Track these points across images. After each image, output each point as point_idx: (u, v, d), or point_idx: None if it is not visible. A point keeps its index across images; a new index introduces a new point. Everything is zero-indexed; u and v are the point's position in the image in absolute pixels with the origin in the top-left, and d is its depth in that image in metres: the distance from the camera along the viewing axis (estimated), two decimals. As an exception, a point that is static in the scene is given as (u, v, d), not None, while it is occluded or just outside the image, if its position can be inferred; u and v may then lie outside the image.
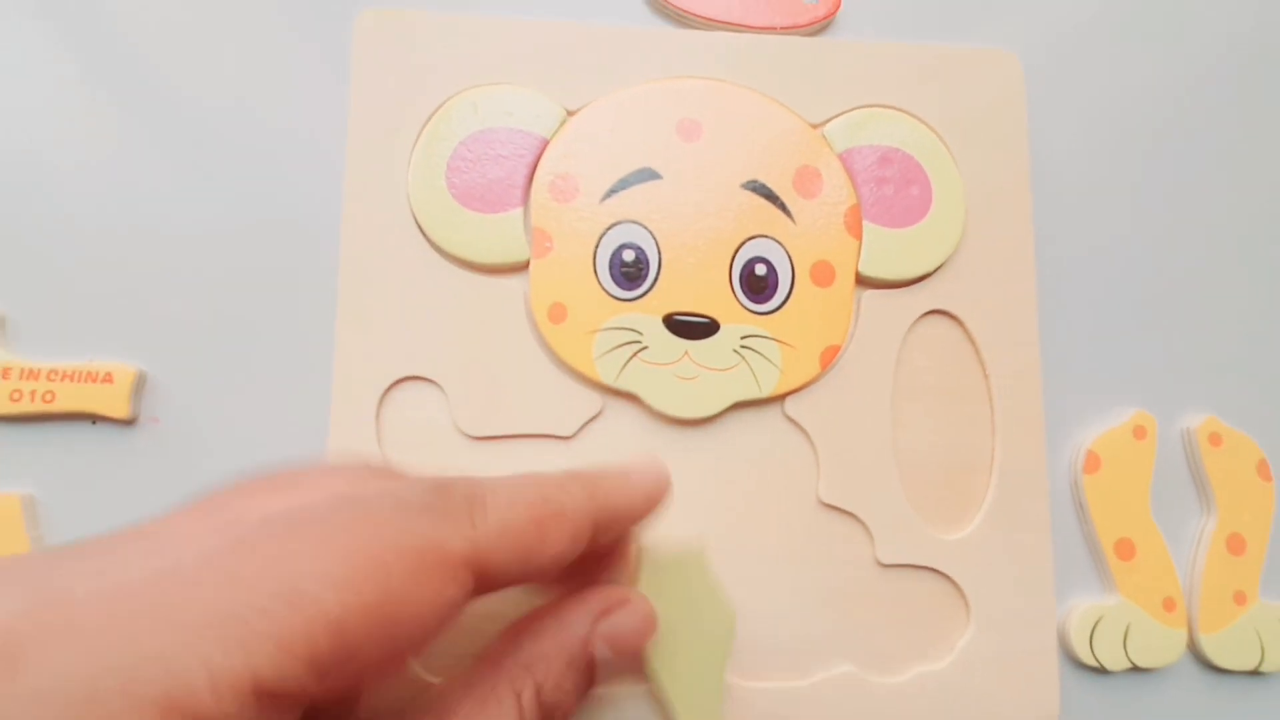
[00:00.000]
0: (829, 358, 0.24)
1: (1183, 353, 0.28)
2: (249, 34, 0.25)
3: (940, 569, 0.24)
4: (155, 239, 0.24)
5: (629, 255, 0.24)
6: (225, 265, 0.24)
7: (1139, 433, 0.26)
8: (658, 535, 0.19)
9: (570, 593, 0.17)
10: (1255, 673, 0.26)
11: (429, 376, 0.23)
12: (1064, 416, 0.26)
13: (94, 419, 0.23)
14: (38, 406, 0.22)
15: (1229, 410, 0.27)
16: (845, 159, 0.25)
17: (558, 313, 0.23)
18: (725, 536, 0.23)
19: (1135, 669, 0.25)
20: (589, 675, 0.17)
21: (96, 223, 0.24)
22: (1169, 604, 0.26)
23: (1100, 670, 0.25)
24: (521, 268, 0.24)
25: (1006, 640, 0.24)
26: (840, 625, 0.24)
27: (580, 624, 0.17)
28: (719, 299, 0.24)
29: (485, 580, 0.14)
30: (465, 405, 0.23)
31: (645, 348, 0.23)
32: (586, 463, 0.22)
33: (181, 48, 0.25)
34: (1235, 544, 0.26)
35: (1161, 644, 0.26)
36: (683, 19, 0.26)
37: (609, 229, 0.24)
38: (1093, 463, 0.25)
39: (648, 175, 0.24)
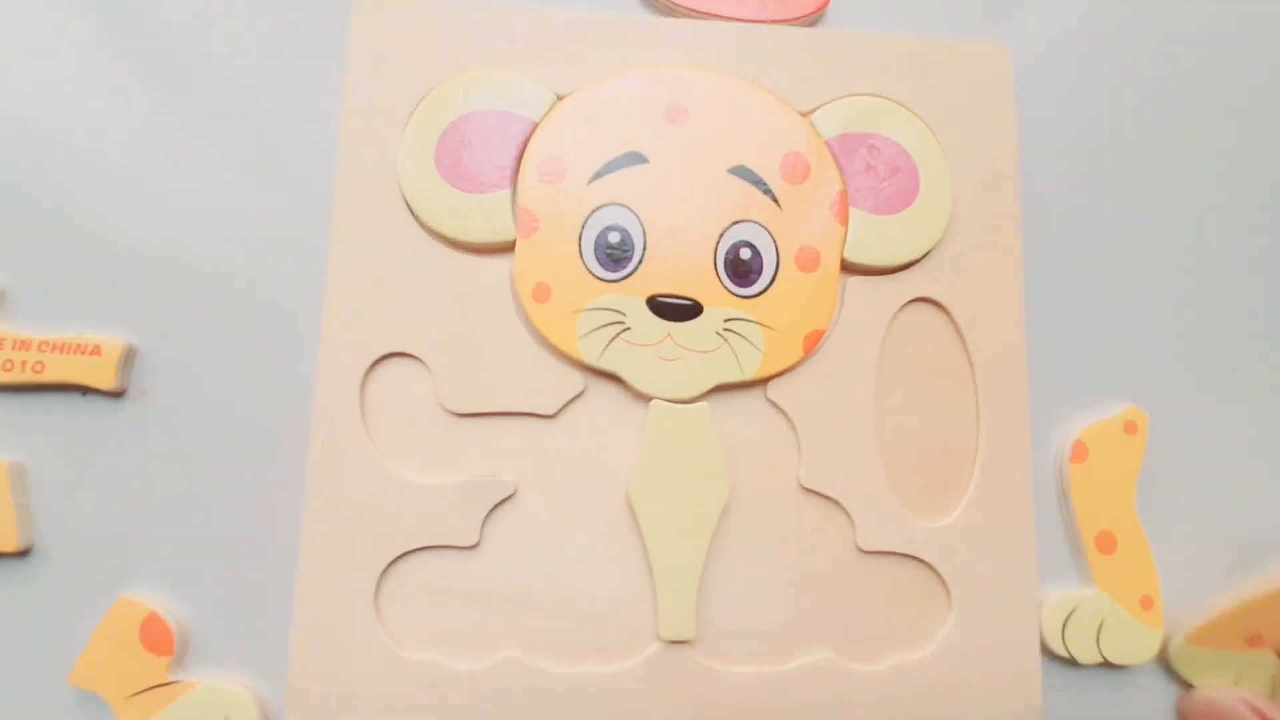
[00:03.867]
0: (812, 342, 0.25)
1: (1174, 349, 0.28)
2: (254, 14, 0.26)
3: (921, 556, 0.25)
4: (148, 216, 0.25)
5: (614, 237, 0.24)
6: (216, 241, 0.25)
7: (1130, 428, 0.26)
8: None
9: None
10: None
11: (414, 353, 0.24)
12: (1050, 405, 0.26)
13: (83, 390, 0.24)
14: (28, 376, 0.23)
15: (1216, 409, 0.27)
16: (833, 146, 0.25)
17: (542, 292, 0.24)
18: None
19: (1107, 664, 0.26)
20: None
21: (92, 200, 0.25)
22: (1146, 601, 0.26)
23: (1071, 662, 0.25)
24: (508, 248, 0.24)
25: (988, 630, 0.25)
26: (820, 612, 0.24)
27: None
28: (703, 282, 0.24)
29: None
30: (448, 382, 0.24)
31: (628, 328, 0.24)
32: (567, 441, 0.24)
33: (178, 24, 0.26)
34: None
35: (1137, 641, 0.26)
36: (675, 11, 0.27)
37: (595, 211, 0.24)
38: (1080, 452, 0.26)
39: (635, 159, 0.25)
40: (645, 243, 0.24)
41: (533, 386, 0.24)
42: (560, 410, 0.24)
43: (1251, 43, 0.29)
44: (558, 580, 0.23)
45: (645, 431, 0.24)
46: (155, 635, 0.22)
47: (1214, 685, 0.25)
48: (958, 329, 0.26)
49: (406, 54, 0.25)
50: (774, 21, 0.27)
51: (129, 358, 0.24)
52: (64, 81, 0.25)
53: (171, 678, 0.22)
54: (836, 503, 0.25)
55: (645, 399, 0.24)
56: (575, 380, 0.24)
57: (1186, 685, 0.26)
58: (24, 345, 0.23)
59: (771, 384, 0.25)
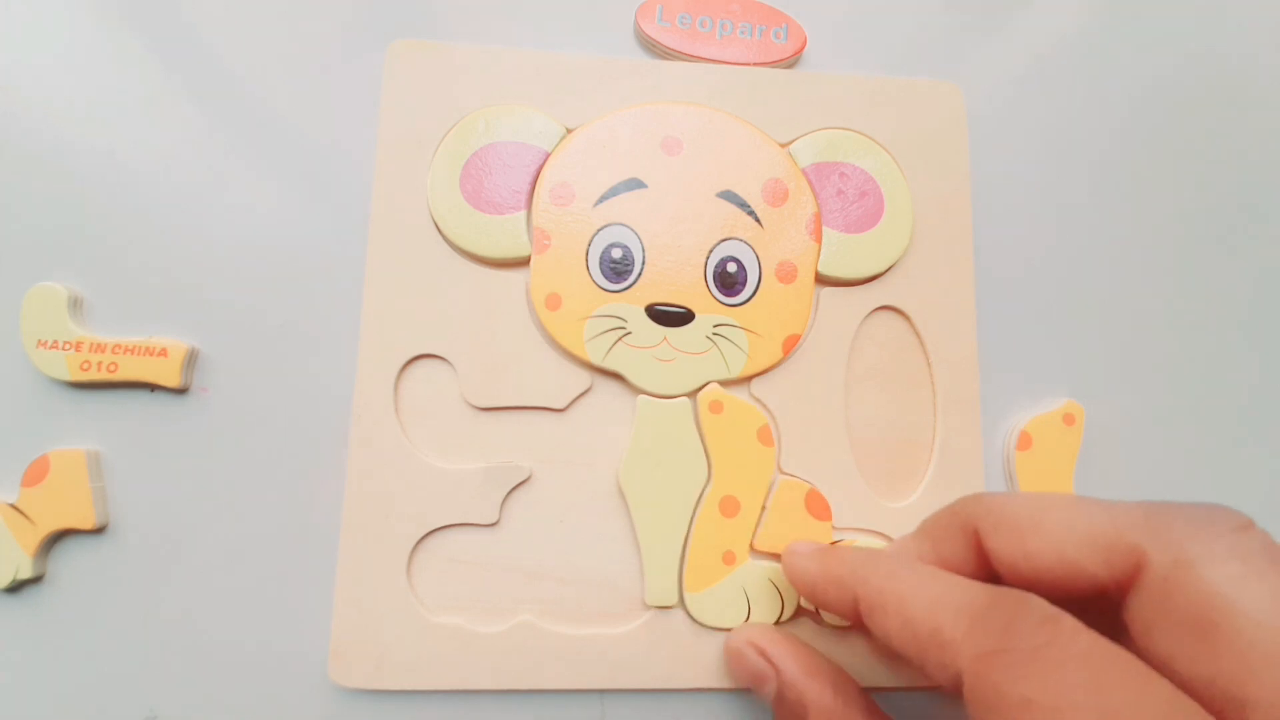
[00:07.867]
0: (790, 345, 0.26)
1: (1108, 350, 0.29)
2: (301, 57, 0.28)
3: (885, 532, 0.26)
4: (208, 236, 0.26)
5: (617, 253, 0.26)
6: (268, 257, 0.26)
7: (1068, 419, 0.28)
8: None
9: None
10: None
11: (441, 354, 0.25)
12: (999, 400, 0.28)
13: (152, 388, 0.25)
14: (103, 375, 0.24)
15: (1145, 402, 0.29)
16: (808, 173, 0.27)
17: (554, 301, 0.25)
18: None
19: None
20: None
21: (160, 222, 0.26)
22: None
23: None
24: (524, 262, 0.26)
25: (945, 596, 0.26)
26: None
27: None
28: (695, 292, 0.26)
29: None
30: (471, 380, 0.25)
31: (629, 333, 0.25)
32: (575, 432, 0.26)
33: (239, 69, 0.27)
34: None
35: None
36: (669, 55, 0.28)
37: (600, 230, 0.26)
38: (1025, 441, 0.27)
39: (635, 184, 0.26)
40: (644, 258, 0.26)
41: (545, 384, 0.26)
42: (570, 405, 0.26)
43: (1169, 87, 0.31)
44: (567, 554, 0.25)
45: (634, 424, 0.26)
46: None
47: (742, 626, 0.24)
48: (917, 333, 0.27)
49: (434, 93, 0.26)
50: (756, 64, 0.28)
51: (191, 359, 0.25)
52: (137, 119, 0.27)
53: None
54: (812, 485, 0.26)
55: (644, 395, 0.26)
56: (583, 379, 0.26)
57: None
58: (100, 348, 0.24)
59: (755, 381, 0.26)
